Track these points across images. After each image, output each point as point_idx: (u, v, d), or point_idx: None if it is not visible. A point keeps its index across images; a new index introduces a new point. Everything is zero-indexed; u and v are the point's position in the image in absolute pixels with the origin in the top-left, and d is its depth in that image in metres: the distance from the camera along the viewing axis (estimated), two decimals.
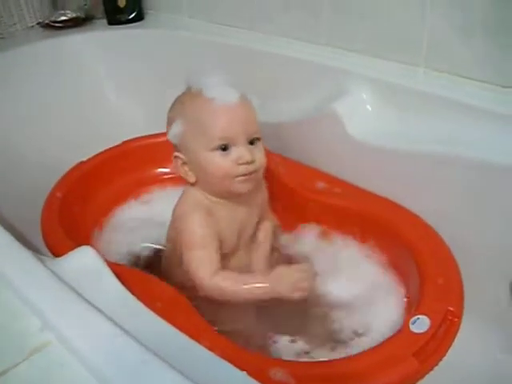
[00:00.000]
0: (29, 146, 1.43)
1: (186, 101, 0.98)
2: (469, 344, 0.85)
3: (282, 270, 0.94)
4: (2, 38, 1.66)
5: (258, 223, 1.09)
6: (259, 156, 0.96)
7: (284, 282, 0.91)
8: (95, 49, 1.65)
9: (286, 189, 1.16)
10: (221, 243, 0.99)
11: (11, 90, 1.48)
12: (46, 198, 1.13)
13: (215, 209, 1.00)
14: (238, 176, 0.95)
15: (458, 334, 0.81)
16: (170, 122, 1.00)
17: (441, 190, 1.04)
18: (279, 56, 1.32)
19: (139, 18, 1.72)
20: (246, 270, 1.05)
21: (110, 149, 1.30)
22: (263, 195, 1.08)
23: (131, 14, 1.69)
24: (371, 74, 1.17)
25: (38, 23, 1.73)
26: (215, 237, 0.98)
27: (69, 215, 1.12)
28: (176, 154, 0.99)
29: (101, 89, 1.65)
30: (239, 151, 0.94)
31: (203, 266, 0.95)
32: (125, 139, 1.32)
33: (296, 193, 1.15)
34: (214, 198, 1.00)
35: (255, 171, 0.96)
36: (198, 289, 0.95)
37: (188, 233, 0.97)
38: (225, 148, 0.93)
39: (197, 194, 1.00)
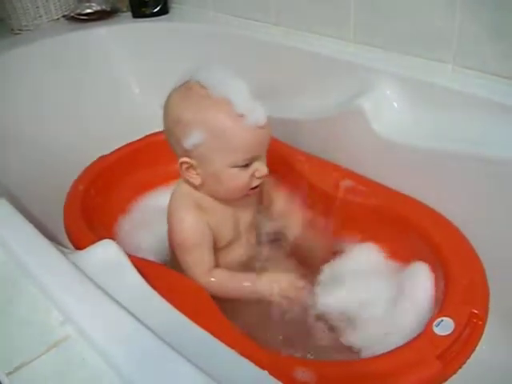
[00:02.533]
0: (53, 139, 1.44)
1: (206, 107, 0.91)
2: (493, 347, 0.84)
3: (274, 276, 0.98)
4: (28, 30, 1.68)
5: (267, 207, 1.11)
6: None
7: (272, 289, 0.95)
8: (120, 42, 1.66)
9: (310, 186, 1.15)
10: (216, 238, 1.00)
11: (37, 82, 1.50)
12: (68, 192, 1.14)
13: (209, 205, 1.00)
14: (251, 189, 0.97)
15: (483, 337, 0.80)
16: (183, 126, 0.92)
17: (468, 189, 1.02)
18: (305, 52, 1.31)
19: (164, 11, 1.72)
20: (249, 258, 1.07)
21: (133, 142, 1.31)
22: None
23: (156, 7, 1.70)
24: (398, 70, 1.15)
25: (63, 16, 1.74)
26: (208, 234, 0.99)
27: (91, 208, 1.13)
28: (184, 159, 0.94)
29: (125, 82, 1.66)
30: (259, 166, 0.94)
31: (196, 267, 0.97)
32: (148, 133, 1.32)
33: (320, 191, 1.14)
34: (211, 199, 1.00)
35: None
36: None
37: (180, 233, 0.98)
38: (246, 165, 0.94)
39: (189, 194, 1.00)
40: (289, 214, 1.14)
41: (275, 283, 0.96)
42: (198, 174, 0.96)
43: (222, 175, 0.94)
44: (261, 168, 0.94)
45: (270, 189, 1.13)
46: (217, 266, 1.01)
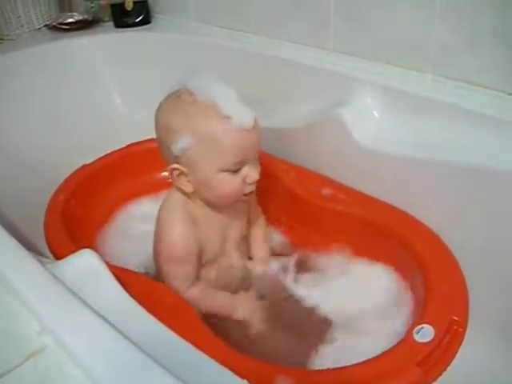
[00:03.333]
0: (34, 148, 1.44)
1: (194, 113, 0.91)
2: (473, 354, 0.84)
3: (246, 299, 1.01)
4: (10, 39, 1.67)
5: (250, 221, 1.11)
6: (259, 170, 0.97)
7: (244, 311, 0.99)
8: (102, 51, 1.66)
9: (292, 195, 1.15)
10: (203, 252, 1.00)
11: (17, 91, 1.49)
12: (49, 201, 1.13)
13: (200, 215, 0.99)
14: (244, 194, 0.96)
15: (463, 344, 0.80)
16: (172, 133, 0.92)
17: (447, 197, 1.03)
18: (285, 61, 1.32)
19: (146, 21, 1.72)
20: (237, 271, 1.07)
21: (114, 152, 1.30)
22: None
23: (138, 17, 1.70)
24: (378, 79, 1.16)
25: (45, 25, 1.75)
26: (195, 249, 0.98)
27: (72, 218, 1.12)
28: (175, 166, 0.94)
29: (106, 91, 1.66)
30: (249, 171, 0.94)
31: (177, 280, 0.97)
32: (130, 142, 1.32)
33: (301, 199, 1.14)
34: (204, 207, 0.99)
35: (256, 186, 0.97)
36: None
37: (167, 245, 0.98)
38: (237, 170, 0.93)
39: (181, 204, 0.99)
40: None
41: (243, 305, 0.99)
42: (189, 182, 0.95)
43: (212, 181, 0.93)
44: (251, 173, 0.94)
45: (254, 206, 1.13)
46: (199, 280, 1.01)
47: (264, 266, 1.09)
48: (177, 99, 0.94)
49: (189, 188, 0.96)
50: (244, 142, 0.91)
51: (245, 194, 0.96)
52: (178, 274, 0.97)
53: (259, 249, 1.13)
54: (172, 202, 1.00)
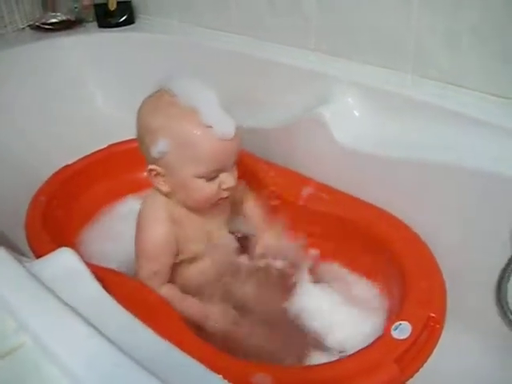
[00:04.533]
0: (15, 148, 1.43)
1: (173, 116, 0.91)
2: (450, 351, 0.85)
3: (216, 308, 0.98)
4: None
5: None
6: (236, 176, 0.97)
7: (215, 320, 0.96)
8: (85, 51, 1.66)
9: (273, 195, 1.16)
10: (181, 250, 1.00)
11: (1, 90, 1.48)
12: (30, 201, 1.13)
13: (179, 214, 0.99)
14: (220, 199, 0.96)
15: (440, 341, 0.81)
16: (150, 133, 0.93)
17: (426, 195, 1.04)
18: (267, 61, 1.32)
19: (130, 21, 1.72)
20: (225, 269, 1.05)
21: (95, 152, 1.30)
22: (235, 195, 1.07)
23: (122, 17, 1.70)
24: (359, 79, 1.17)
25: (28, 25, 1.73)
26: (173, 248, 0.98)
27: (53, 218, 1.12)
28: (153, 167, 0.94)
29: (90, 92, 1.66)
30: (225, 178, 0.94)
31: (150, 278, 0.97)
32: (111, 143, 1.32)
33: (282, 199, 1.15)
34: (182, 208, 0.99)
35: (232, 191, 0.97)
36: None
37: (145, 241, 0.98)
38: (214, 177, 0.93)
39: (161, 203, 0.99)
40: (260, 227, 1.13)
41: (212, 315, 0.97)
42: (165, 182, 0.95)
43: (189, 185, 0.93)
44: (227, 180, 0.94)
45: (242, 197, 1.13)
46: (175, 279, 1.01)
47: (278, 238, 1.10)
48: (157, 100, 0.94)
49: (165, 188, 0.96)
50: (223, 151, 0.91)
51: (220, 199, 0.97)
52: (152, 270, 0.97)
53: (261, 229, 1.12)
54: (153, 201, 1.00)
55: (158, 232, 0.97)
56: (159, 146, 0.91)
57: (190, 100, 0.90)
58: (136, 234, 1.01)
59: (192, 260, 1.03)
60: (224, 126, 0.90)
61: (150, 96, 0.96)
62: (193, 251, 1.02)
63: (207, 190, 0.94)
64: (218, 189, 0.94)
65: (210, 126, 0.89)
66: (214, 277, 1.04)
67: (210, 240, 1.04)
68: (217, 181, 0.94)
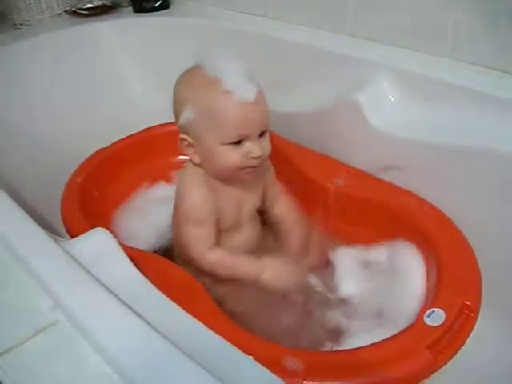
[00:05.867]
0: (53, 131, 1.45)
1: (197, 86, 0.94)
2: (485, 339, 0.84)
3: (274, 261, 0.99)
4: (30, 24, 1.68)
5: (267, 202, 1.11)
6: (266, 147, 0.97)
7: (273, 272, 0.98)
8: (121, 36, 1.67)
9: (306, 180, 1.15)
10: (220, 219, 1.01)
11: (37, 76, 1.50)
12: (66, 183, 1.15)
13: (215, 186, 1.00)
14: (246, 168, 0.96)
15: (474, 329, 0.80)
16: (179, 104, 0.97)
17: (463, 181, 1.02)
18: (301, 45, 1.31)
19: (165, 6, 1.73)
20: (251, 244, 1.08)
21: (130, 136, 1.31)
22: (266, 173, 1.08)
23: (157, 2, 1.70)
24: (395, 64, 1.15)
25: (65, 11, 1.76)
26: (214, 213, 0.99)
27: (88, 199, 1.14)
28: (183, 136, 0.97)
29: (125, 76, 1.67)
30: (251, 146, 0.94)
31: (198, 242, 0.98)
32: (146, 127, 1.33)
33: (316, 184, 1.14)
34: (215, 179, 1.00)
35: (261, 162, 0.97)
36: (194, 262, 0.98)
37: (187, 206, 0.99)
38: (237, 143, 0.93)
39: (198, 172, 1.00)
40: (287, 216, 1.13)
41: (277, 268, 0.98)
42: (195, 152, 0.98)
43: (214, 153, 0.95)
44: (253, 149, 0.94)
45: (272, 184, 1.12)
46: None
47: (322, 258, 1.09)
48: (186, 73, 0.98)
49: (196, 159, 0.98)
50: (244, 116, 0.92)
51: (248, 168, 0.96)
52: (199, 235, 0.98)
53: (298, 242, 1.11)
54: (190, 171, 1.02)
55: (201, 195, 0.98)
56: (185, 114, 0.94)
57: (216, 70, 0.92)
58: (177, 202, 1.03)
59: (228, 231, 1.04)
60: (244, 90, 0.91)
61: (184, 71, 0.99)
62: (227, 222, 1.03)
63: (232, 156, 0.94)
64: (244, 157, 0.94)
65: (229, 91, 0.90)
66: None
67: (242, 214, 1.06)
68: (242, 149, 0.94)
